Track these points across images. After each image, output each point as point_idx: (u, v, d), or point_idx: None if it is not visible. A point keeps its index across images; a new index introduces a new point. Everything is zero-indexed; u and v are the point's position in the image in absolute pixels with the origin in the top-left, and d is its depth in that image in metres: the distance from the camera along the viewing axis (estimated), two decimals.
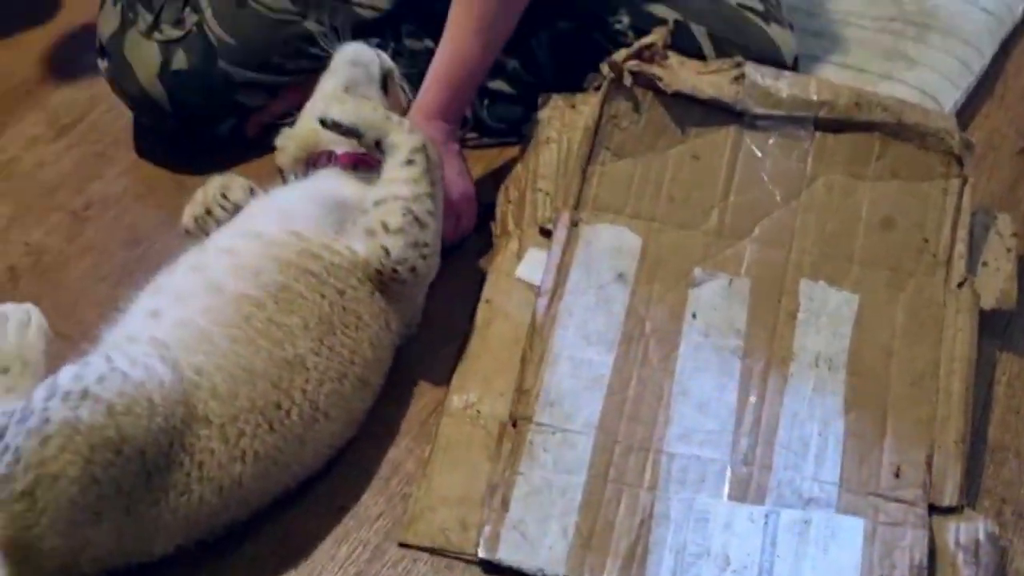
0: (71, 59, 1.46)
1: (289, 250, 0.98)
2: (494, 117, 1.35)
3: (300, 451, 0.95)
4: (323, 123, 1.06)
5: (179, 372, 0.88)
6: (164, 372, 0.86)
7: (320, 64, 1.20)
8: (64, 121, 1.38)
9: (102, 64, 1.29)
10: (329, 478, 1.01)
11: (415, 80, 1.20)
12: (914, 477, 0.97)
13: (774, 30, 1.26)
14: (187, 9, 1.26)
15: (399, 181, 1.02)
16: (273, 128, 1.21)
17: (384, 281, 1.01)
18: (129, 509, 0.85)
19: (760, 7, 1.27)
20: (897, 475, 0.97)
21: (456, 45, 1.16)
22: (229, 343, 0.91)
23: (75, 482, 0.81)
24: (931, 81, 1.35)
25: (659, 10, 1.24)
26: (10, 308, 0.97)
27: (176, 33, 1.25)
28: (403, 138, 1.03)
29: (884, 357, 1.03)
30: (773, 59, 1.22)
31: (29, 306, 0.97)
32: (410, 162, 1.03)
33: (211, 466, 0.88)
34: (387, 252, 1.00)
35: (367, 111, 1.06)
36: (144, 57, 1.25)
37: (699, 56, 1.21)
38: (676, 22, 1.22)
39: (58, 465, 0.80)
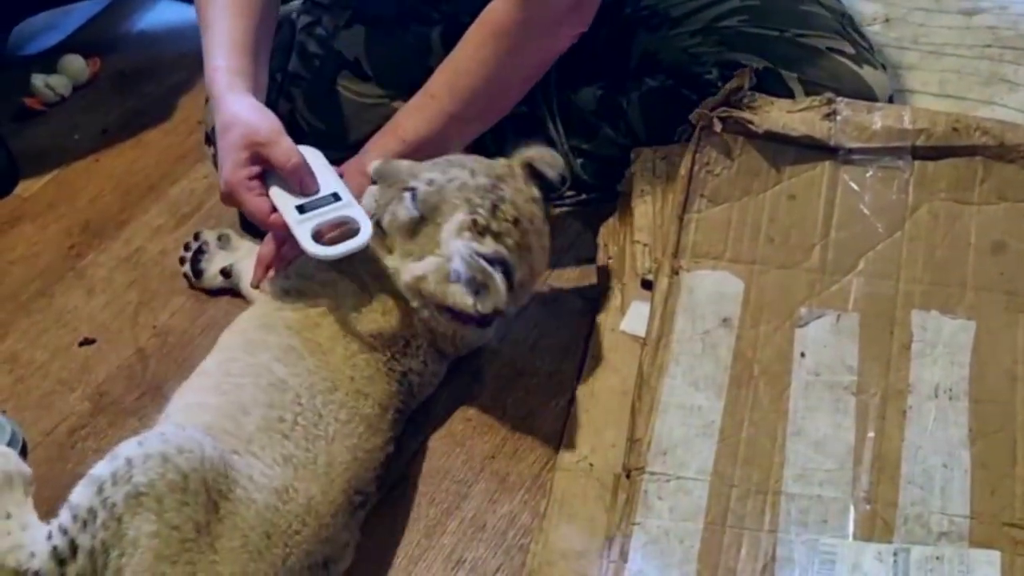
0: (187, 154, 1.54)
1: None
2: (590, 176, 1.37)
3: (330, 448, 0.98)
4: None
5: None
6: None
7: None
8: (183, 211, 1.45)
9: (209, 151, 1.36)
10: (446, 531, 1.03)
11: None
12: None
13: (866, 72, 1.23)
14: (280, 99, 1.31)
15: None
16: None
17: None
18: (213, 545, 0.89)
19: (851, 50, 1.24)
20: None
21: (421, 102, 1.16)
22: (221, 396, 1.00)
23: (154, 536, 0.86)
24: None
25: (747, 59, 1.21)
26: None
27: None
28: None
29: (1008, 382, 0.99)
30: (867, 101, 1.18)
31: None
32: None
33: (257, 474, 0.93)
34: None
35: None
36: None
37: None
38: (766, 69, 1.20)
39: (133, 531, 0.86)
